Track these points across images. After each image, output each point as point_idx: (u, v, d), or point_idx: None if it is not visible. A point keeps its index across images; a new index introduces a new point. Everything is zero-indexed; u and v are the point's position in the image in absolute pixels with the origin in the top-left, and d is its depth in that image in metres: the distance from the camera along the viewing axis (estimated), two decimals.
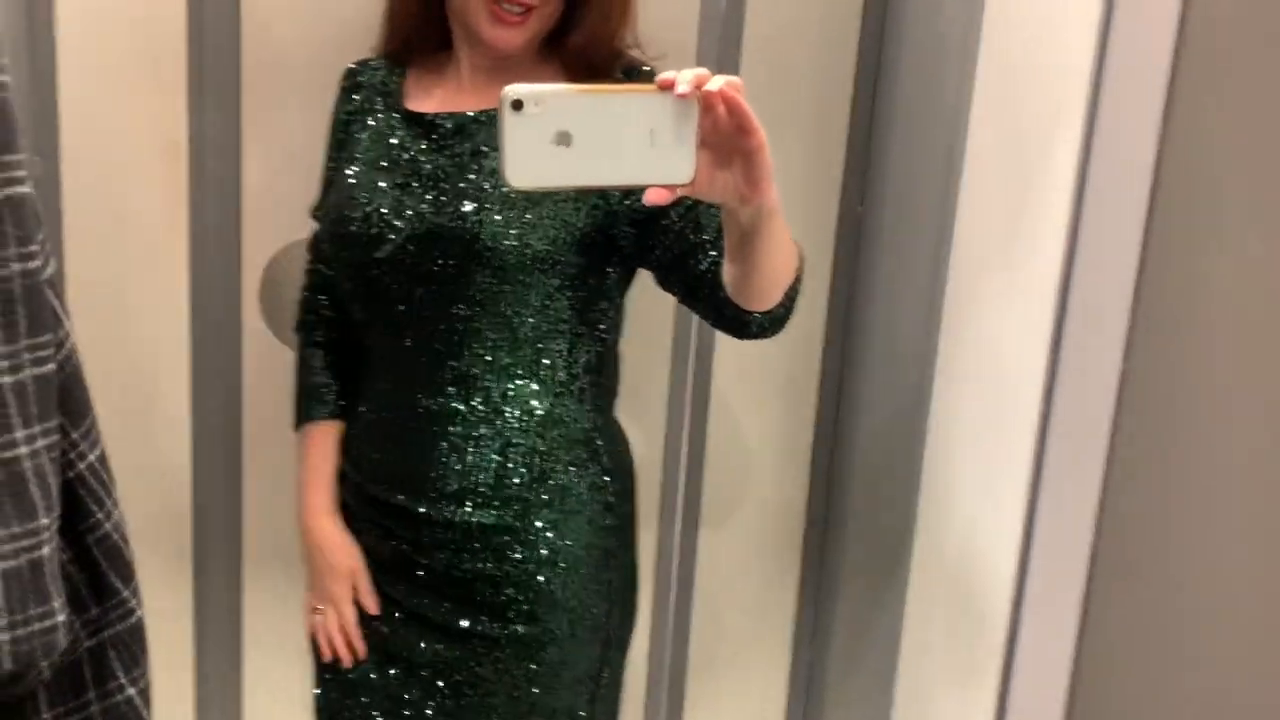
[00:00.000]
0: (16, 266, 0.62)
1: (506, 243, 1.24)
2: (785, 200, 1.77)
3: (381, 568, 1.35)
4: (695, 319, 1.67)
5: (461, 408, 1.29)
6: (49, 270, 0.65)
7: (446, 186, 1.28)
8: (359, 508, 1.37)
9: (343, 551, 1.37)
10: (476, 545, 1.29)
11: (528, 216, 1.25)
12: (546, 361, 1.30)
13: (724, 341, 1.73)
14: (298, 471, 1.40)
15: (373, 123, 1.36)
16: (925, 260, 1.53)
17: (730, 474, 1.79)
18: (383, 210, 1.28)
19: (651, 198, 0.91)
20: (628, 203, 1.28)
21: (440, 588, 1.31)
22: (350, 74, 1.42)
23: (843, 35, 1.65)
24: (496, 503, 1.29)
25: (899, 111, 1.62)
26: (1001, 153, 1.35)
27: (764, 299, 1.18)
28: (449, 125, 1.31)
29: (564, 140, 0.89)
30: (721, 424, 1.77)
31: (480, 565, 1.29)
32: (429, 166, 1.30)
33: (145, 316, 1.65)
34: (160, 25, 1.52)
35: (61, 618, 0.64)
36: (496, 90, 0.98)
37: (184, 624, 1.71)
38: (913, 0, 1.57)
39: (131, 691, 0.73)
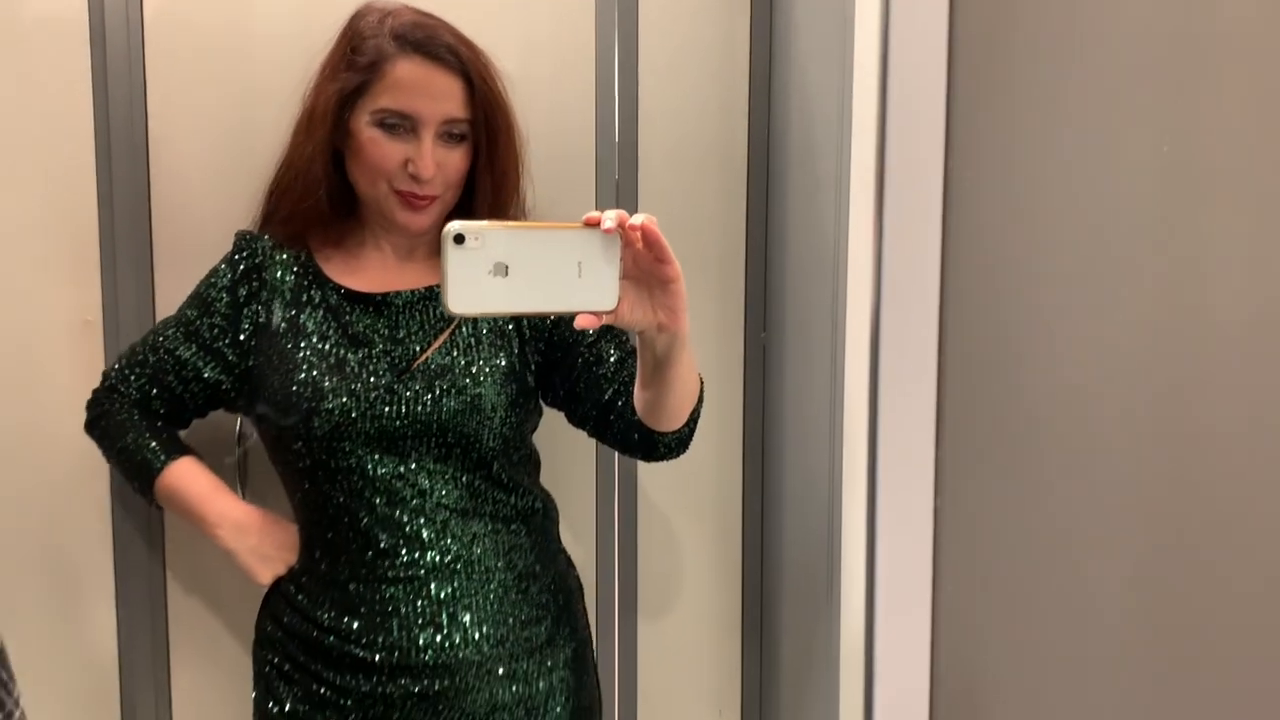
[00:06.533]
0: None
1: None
2: (697, 332, 1.85)
3: None
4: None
5: None
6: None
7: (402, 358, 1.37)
8: None
9: (275, 520, 1.47)
10: None
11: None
12: None
13: (646, 476, 1.81)
14: (185, 503, 1.44)
15: (309, 306, 1.40)
16: (823, 375, 1.62)
17: (664, 582, 1.87)
18: (365, 387, 1.35)
19: (581, 323, 1.01)
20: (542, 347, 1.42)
21: None
22: (249, 245, 1.44)
23: (734, 190, 1.79)
24: None
25: (790, 251, 1.73)
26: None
27: (673, 420, 1.30)
28: (399, 303, 1.38)
29: (501, 271, 0.98)
30: (651, 541, 1.85)
31: None
32: (388, 343, 1.37)
33: (65, 500, 1.66)
34: (72, 205, 1.53)
35: None
36: (421, 265, 1.25)
37: None
38: (794, 149, 1.68)
39: None
